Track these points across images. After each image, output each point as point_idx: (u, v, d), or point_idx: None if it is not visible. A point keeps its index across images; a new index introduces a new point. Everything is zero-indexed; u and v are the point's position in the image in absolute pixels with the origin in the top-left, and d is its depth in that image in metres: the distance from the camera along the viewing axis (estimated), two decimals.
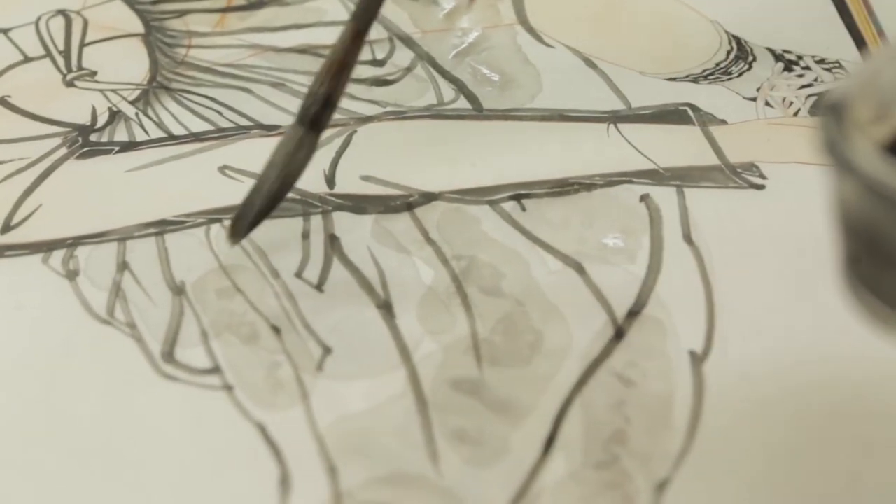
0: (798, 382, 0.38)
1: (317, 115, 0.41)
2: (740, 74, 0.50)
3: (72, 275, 0.42)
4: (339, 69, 0.42)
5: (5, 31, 0.53)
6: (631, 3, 0.55)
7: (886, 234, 0.26)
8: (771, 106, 0.48)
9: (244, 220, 0.40)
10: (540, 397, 0.37)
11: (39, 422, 0.37)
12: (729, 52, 0.51)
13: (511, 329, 0.40)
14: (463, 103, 0.49)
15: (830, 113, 0.27)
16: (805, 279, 0.41)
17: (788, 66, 0.50)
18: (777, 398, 0.37)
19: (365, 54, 0.52)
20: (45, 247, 0.43)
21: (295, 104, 0.49)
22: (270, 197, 0.40)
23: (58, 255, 0.42)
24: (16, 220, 0.44)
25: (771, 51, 0.51)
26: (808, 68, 0.50)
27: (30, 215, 0.44)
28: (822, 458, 0.36)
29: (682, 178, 0.45)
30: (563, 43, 0.52)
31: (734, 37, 0.52)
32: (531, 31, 0.53)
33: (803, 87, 0.49)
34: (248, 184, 0.45)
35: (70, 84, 0.50)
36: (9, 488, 0.35)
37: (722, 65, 0.50)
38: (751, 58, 0.51)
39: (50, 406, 0.37)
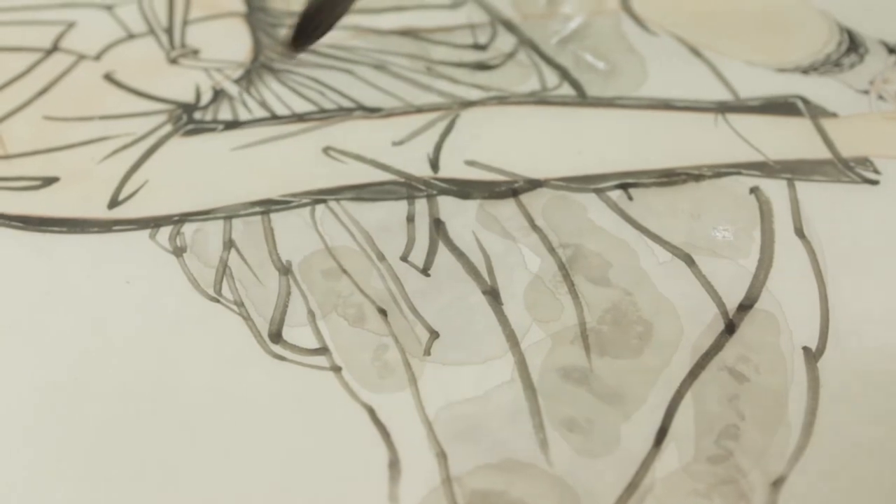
0: None
1: None
2: (852, 67, 0.49)
3: (179, 251, 0.42)
4: None
5: (109, 8, 0.53)
6: None
7: None
8: (884, 100, 0.47)
9: (306, 28, 0.38)
10: (650, 389, 0.37)
11: (147, 397, 0.37)
12: (840, 44, 0.50)
13: (620, 319, 0.39)
14: (567, 90, 0.49)
15: None
16: None
17: None
18: (893, 397, 0.37)
19: (467, 38, 0.52)
20: (152, 223, 0.43)
21: (396, 86, 0.49)
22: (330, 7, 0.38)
23: (165, 231, 0.42)
24: (123, 195, 0.44)
25: (884, 43, 0.50)
26: None
27: (136, 191, 0.44)
28: None
29: (792, 170, 0.44)
30: (668, 30, 0.51)
31: (845, 28, 0.51)
32: (635, 17, 0.52)
33: None
34: (352, 165, 0.45)
35: (173, 62, 0.50)
36: (119, 462, 0.36)
37: (832, 56, 0.49)
38: (862, 50, 0.50)
39: (158, 382, 0.37)
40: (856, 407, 0.36)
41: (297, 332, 0.39)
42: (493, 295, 0.40)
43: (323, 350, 0.38)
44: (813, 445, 0.35)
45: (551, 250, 0.42)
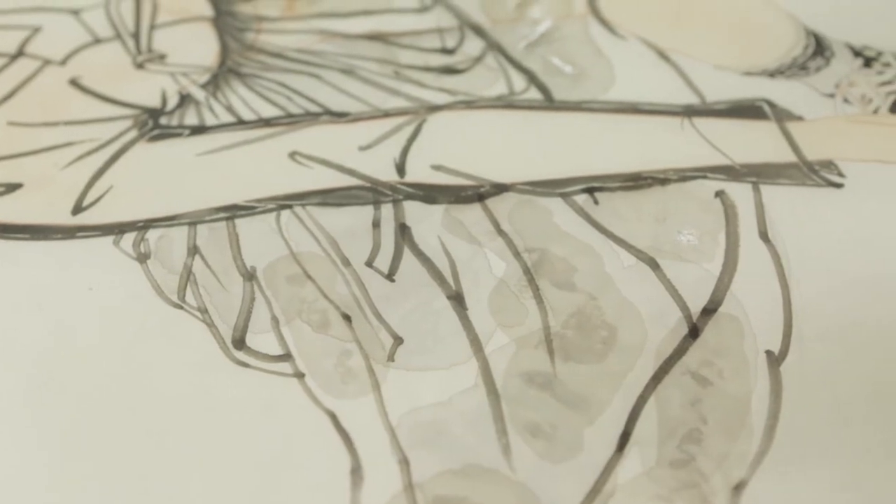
0: (877, 385, 0.37)
1: None
2: (818, 70, 0.49)
3: (143, 257, 0.42)
4: None
5: (76, 13, 0.53)
6: None
7: None
8: (849, 103, 0.47)
9: None
10: (614, 394, 0.37)
11: (111, 404, 0.37)
12: (806, 47, 0.50)
13: (584, 324, 0.39)
14: (534, 94, 0.49)
15: None
16: (884, 280, 0.40)
17: (868, 63, 0.49)
18: (856, 400, 0.37)
19: (435, 42, 0.52)
20: (116, 229, 0.43)
21: (364, 91, 0.49)
22: None
23: (129, 238, 0.42)
24: (87, 201, 0.44)
25: (850, 46, 0.50)
26: (888, 65, 0.49)
27: (101, 197, 0.44)
28: None
29: (758, 174, 0.44)
30: (636, 34, 0.51)
31: (812, 32, 0.51)
32: (603, 22, 0.52)
33: (883, 84, 0.48)
34: (318, 170, 0.45)
35: (140, 66, 0.50)
36: (82, 468, 0.35)
37: (799, 60, 0.49)
38: (829, 53, 0.50)
39: (122, 388, 0.37)
40: (818, 411, 0.36)
41: (261, 338, 0.39)
42: (457, 300, 0.40)
43: (286, 356, 0.38)
44: (775, 449, 0.35)
45: (517, 255, 0.42)
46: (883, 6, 0.52)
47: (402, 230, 0.43)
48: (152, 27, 0.52)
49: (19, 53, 0.50)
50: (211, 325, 0.39)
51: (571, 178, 0.44)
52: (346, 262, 0.41)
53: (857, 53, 0.50)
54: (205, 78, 0.49)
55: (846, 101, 0.47)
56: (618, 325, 0.39)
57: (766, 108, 0.47)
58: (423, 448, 0.36)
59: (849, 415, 0.36)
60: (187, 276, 0.41)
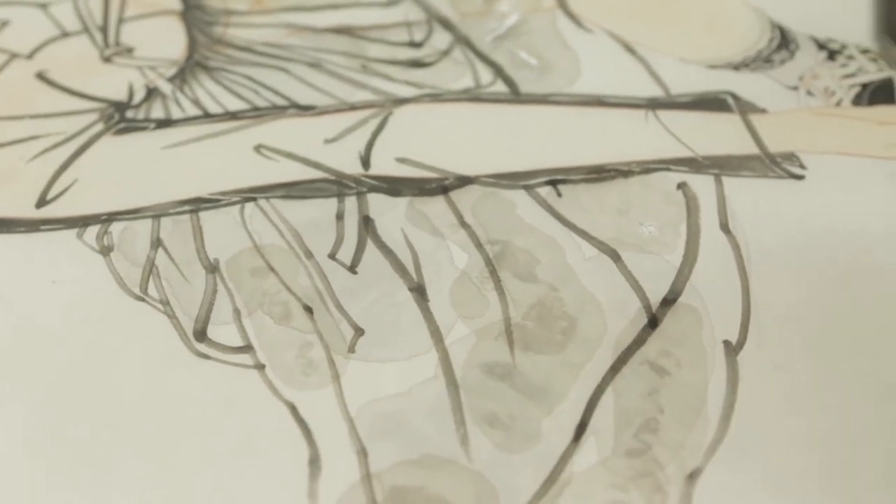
0: (833, 374, 0.37)
1: None
2: (782, 63, 0.49)
3: (106, 250, 0.42)
4: None
5: (43, 7, 0.53)
6: None
7: None
8: (813, 95, 0.48)
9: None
10: (572, 384, 0.37)
11: (73, 396, 0.37)
12: (771, 40, 0.50)
13: (545, 315, 0.39)
14: (500, 87, 0.49)
15: None
16: (843, 271, 0.40)
17: (832, 56, 0.49)
18: (812, 390, 0.37)
19: (402, 36, 0.52)
20: (80, 222, 0.43)
21: (331, 84, 0.49)
22: None
23: (92, 231, 0.42)
24: (51, 194, 0.44)
25: (814, 39, 0.50)
26: (851, 57, 0.49)
27: (65, 190, 0.44)
28: (856, 451, 0.35)
29: (720, 166, 0.44)
30: (603, 28, 0.52)
31: (777, 25, 0.51)
32: (571, 15, 0.52)
33: (846, 76, 0.48)
34: (283, 163, 0.45)
35: (107, 60, 0.50)
36: (42, 460, 0.36)
37: (763, 53, 0.50)
38: (793, 46, 0.50)
39: (83, 381, 0.37)
40: (773, 400, 0.37)
41: (223, 329, 0.39)
42: (419, 292, 0.40)
43: (247, 348, 0.38)
44: (729, 438, 0.36)
45: (479, 246, 0.42)
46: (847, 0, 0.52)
47: (366, 222, 0.43)
48: (120, 20, 0.52)
49: None
50: (172, 316, 0.39)
51: (535, 171, 0.44)
52: (309, 255, 0.41)
53: (821, 46, 0.50)
54: (172, 71, 0.50)
55: (809, 93, 0.48)
56: (578, 316, 0.39)
57: (730, 100, 0.47)
58: (382, 438, 0.36)
59: (803, 404, 0.36)
60: (150, 268, 0.41)
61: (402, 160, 0.45)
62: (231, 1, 0.54)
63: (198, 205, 0.43)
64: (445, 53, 0.51)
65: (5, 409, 0.37)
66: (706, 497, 0.34)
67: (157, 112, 0.48)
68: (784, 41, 0.50)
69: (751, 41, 0.50)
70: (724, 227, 0.42)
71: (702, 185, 0.44)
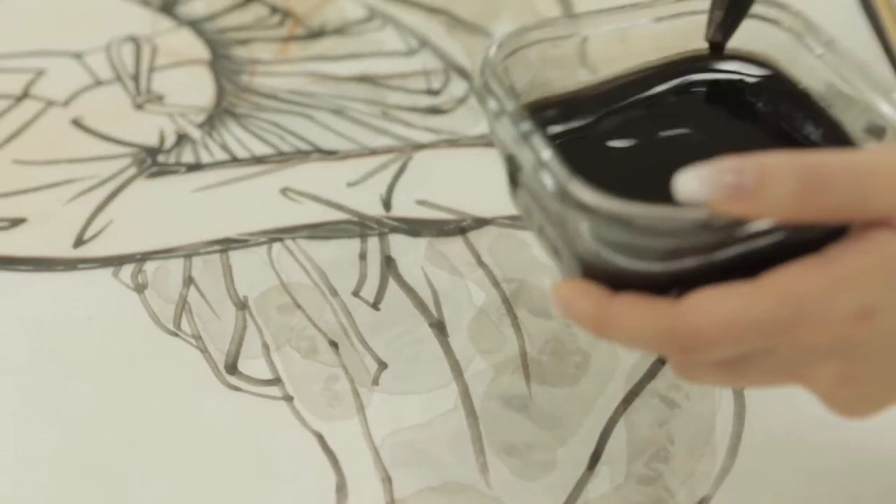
0: None
1: None
2: None
3: (140, 288, 0.44)
4: None
5: (78, 56, 0.55)
6: None
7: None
8: None
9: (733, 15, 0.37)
10: (586, 415, 0.39)
11: (108, 427, 0.39)
12: None
13: (559, 350, 0.41)
14: None
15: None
16: None
17: None
18: (818, 422, 0.39)
19: (421, 84, 0.54)
20: (115, 261, 0.45)
21: (353, 130, 0.51)
22: None
23: (127, 269, 0.44)
24: (88, 235, 0.46)
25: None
26: None
27: (101, 231, 0.46)
28: (861, 483, 0.37)
29: None
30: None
31: None
32: (587, 66, 0.55)
33: None
34: (308, 205, 0.47)
35: (139, 107, 0.52)
36: (76, 489, 0.37)
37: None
38: None
39: (119, 412, 0.39)
40: (780, 431, 0.38)
41: (252, 363, 0.41)
42: (439, 328, 0.42)
43: (276, 381, 0.40)
44: (737, 467, 0.37)
45: (496, 285, 0.44)
46: (829, 20, 0.54)
47: (388, 262, 0.45)
48: (151, 69, 0.55)
49: (24, 95, 0.53)
50: (204, 351, 0.41)
51: None
52: (334, 292, 0.43)
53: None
54: (201, 118, 0.52)
55: None
56: (591, 351, 0.41)
57: None
58: (405, 467, 0.38)
59: (808, 436, 0.38)
60: (182, 305, 0.43)
61: (421, 202, 0.47)
62: (257, 50, 0.56)
63: (227, 245, 0.45)
64: (461, 101, 0.53)
65: (42, 440, 0.39)
66: None
67: (188, 156, 0.50)
68: None
69: None
70: None
71: None
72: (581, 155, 0.31)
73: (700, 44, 0.36)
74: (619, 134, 0.34)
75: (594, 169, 0.30)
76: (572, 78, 0.35)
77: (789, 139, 0.35)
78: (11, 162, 0.49)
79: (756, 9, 0.36)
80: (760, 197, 0.28)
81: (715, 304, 0.28)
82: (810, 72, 0.35)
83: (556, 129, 0.34)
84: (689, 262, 0.30)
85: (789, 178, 0.28)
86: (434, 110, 0.53)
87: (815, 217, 0.28)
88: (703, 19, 0.36)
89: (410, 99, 0.53)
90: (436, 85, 0.54)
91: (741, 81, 0.36)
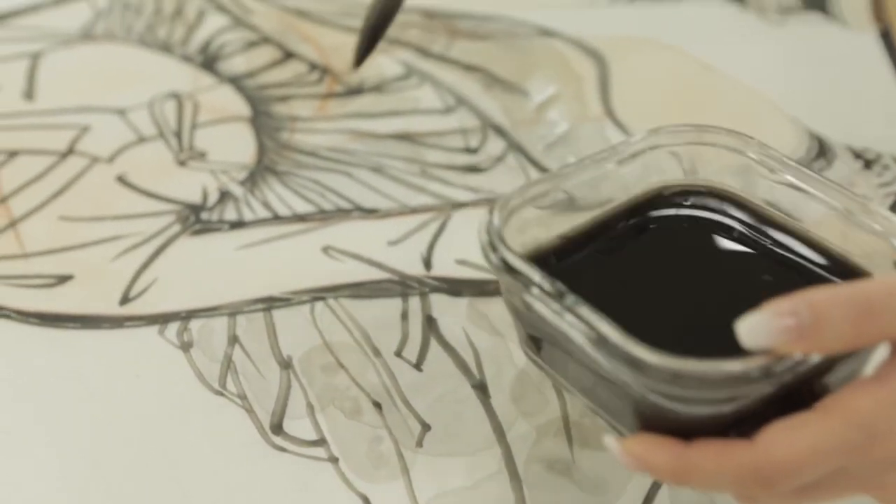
0: None
1: None
2: (820, 171, 0.52)
3: (186, 346, 0.44)
4: None
5: (122, 112, 0.56)
6: (716, 97, 0.57)
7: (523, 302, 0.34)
8: None
9: (361, 49, 0.49)
10: (629, 480, 0.39)
11: (155, 486, 0.39)
12: (809, 150, 0.53)
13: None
14: None
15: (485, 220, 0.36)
16: None
17: (868, 165, 0.52)
18: None
19: (459, 142, 0.55)
20: (161, 319, 0.45)
21: (392, 188, 0.52)
22: (383, 18, 0.49)
23: (173, 327, 0.45)
24: (134, 292, 0.47)
25: (851, 149, 0.53)
26: (887, 167, 0.52)
27: (146, 288, 0.47)
28: None
29: None
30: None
31: (814, 135, 0.54)
32: (618, 124, 0.55)
33: (883, 185, 0.51)
34: (349, 264, 0.48)
35: (182, 164, 0.53)
36: None
37: (802, 162, 0.52)
38: (830, 155, 0.53)
39: (166, 471, 0.40)
40: None
41: (297, 423, 0.41)
42: (481, 389, 0.43)
43: (321, 441, 0.41)
44: None
45: None
46: (881, 111, 0.55)
47: (429, 322, 0.45)
48: (193, 126, 0.56)
49: (69, 151, 0.54)
50: (250, 410, 0.42)
51: None
52: (377, 352, 0.44)
53: (857, 156, 0.53)
54: (243, 175, 0.53)
55: None
56: None
57: None
58: None
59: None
60: (228, 364, 0.44)
61: (461, 262, 0.48)
62: (296, 107, 0.57)
63: (271, 303, 0.46)
64: (500, 159, 0.54)
65: (88, 499, 0.39)
66: None
67: (230, 214, 0.51)
68: (822, 150, 0.53)
69: (789, 151, 0.53)
70: None
71: None
72: (595, 303, 0.33)
73: (659, 177, 0.40)
74: (620, 277, 0.37)
75: (617, 319, 0.32)
76: (554, 228, 0.38)
77: (771, 256, 0.38)
78: (58, 218, 0.50)
79: (709, 138, 0.40)
80: (820, 333, 0.30)
81: (790, 437, 0.30)
82: (770, 191, 0.39)
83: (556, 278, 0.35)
84: (748, 400, 0.32)
85: (842, 311, 0.30)
86: (472, 168, 0.53)
87: (868, 342, 0.31)
88: (658, 154, 0.40)
89: (448, 157, 0.54)
90: (473, 143, 0.55)
91: (708, 209, 0.39)
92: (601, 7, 0.65)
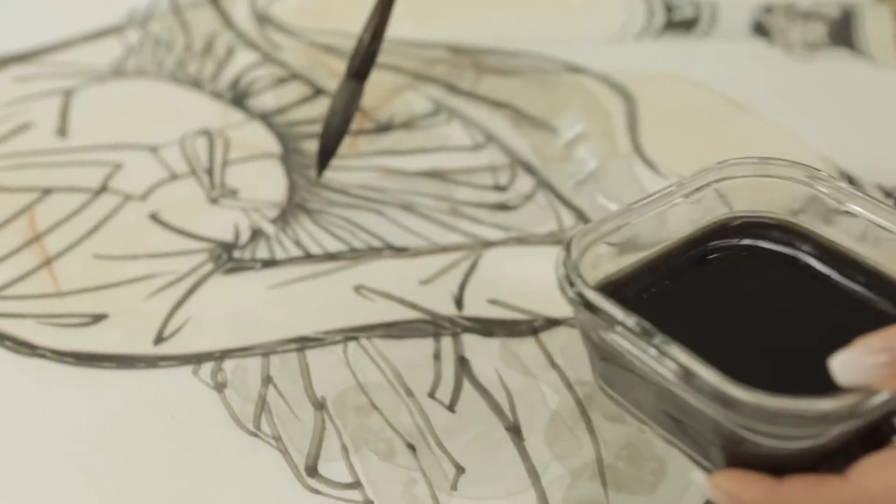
0: None
1: (364, 68, 0.53)
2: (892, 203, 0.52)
3: (220, 387, 0.45)
4: (377, 29, 0.53)
5: (154, 149, 0.57)
6: (744, 134, 0.58)
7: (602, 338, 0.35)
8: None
9: (323, 157, 0.54)
10: None
11: None
12: None
13: (635, 456, 0.41)
14: None
15: (562, 255, 0.36)
16: None
17: None
18: None
19: (488, 180, 0.55)
20: (194, 359, 0.46)
21: (423, 227, 0.52)
22: (336, 136, 0.53)
23: (206, 367, 0.45)
24: (168, 331, 0.47)
25: (881, 187, 0.53)
26: None
27: (180, 328, 0.47)
28: None
29: None
30: (677, 173, 0.55)
31: (843, 172, 0.54)
32: (647, 161, 0.56)
33: None
34: (381, 303, 0.48)
35: (214, 201, 0.54)
36: None
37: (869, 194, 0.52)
38: None
39: None
40: None
41: (332, 466, 0.42)
42: (515, 431, 0.43)
43: (356, 484, 0.41)
44: None
45: (569, 387, 0.44)
46: None
47: (462, 362, 0.45)
48: (225, 163, 0.56)
49: (103, 189, 0.54)
50: (285, 452, 0.42)
51: None
52: (410, 393, 0.44)
53: (887, 194, 0.53)
54: (274, 213, 0.53)
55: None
56: (667, 458, 0.41)
57: None
58: None
59: None
60: (262, 405, 0.44)
61: (493, 301, 0.48)
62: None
63: (304, 343, 0.46)
64: (529, 197, 0.54)
65: None
66: None
67: (262, 252, 0.51)
68: None
69: None
70: None
71: None
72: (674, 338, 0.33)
73: (725, 209, 0.40)
74: (692, 311, 0.37)
75: (698, 354, 0.32)
76: (622, 262, 0.38)
77: (843, 289, 0.38)
78: (92, 256, 0.50)
79: (776, 170, 0.40)
80: None
81: (885, 474, 0.31)
82: (838, 223, 0.39)
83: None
84: (836, 434, 0.32)
85: None
86: (502, 206, 0.54)
87: None
88: (724, 186, 0.40)
89: (478, 194, 0.54)
90: (502, 180, 0.55)
91: (776, 242, 0.39)
92: (628, 42, 0.66)
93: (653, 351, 0.33)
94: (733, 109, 0.59)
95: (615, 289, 0.37)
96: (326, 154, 0.54)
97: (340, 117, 0.53)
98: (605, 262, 0.38)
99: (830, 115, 0.59)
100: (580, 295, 0.35)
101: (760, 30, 0.66)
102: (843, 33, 0.65)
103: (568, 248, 0.36)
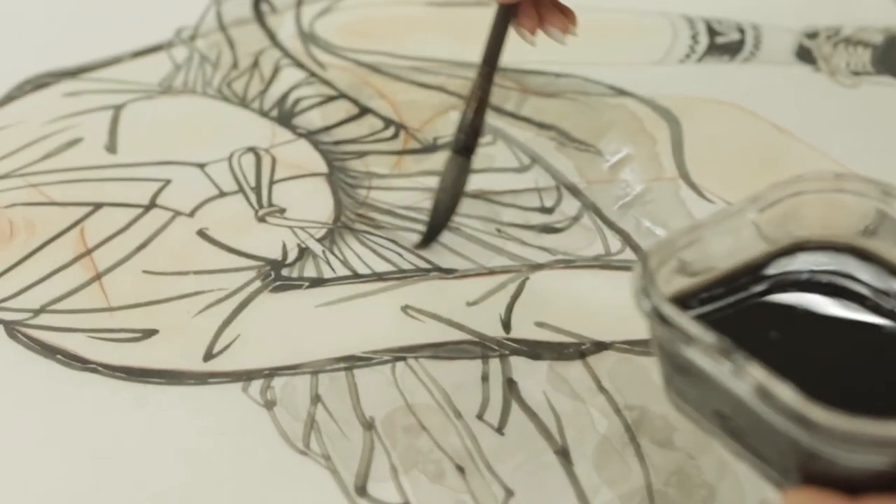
0: None
1: (469, 143, 0.51)
2: None
3: (269, 405, 0.45)
4: (479, 105, 0.51)
5: (202, 166, 0.57)
6: (788, 159, 0.57)
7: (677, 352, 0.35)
8: None
9: (432, 233, 0.52)
10: None
11: None
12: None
13: (685, 482, 0.41)
14: (628, 254, 0.52)
15: (639, 268, 0.36)
16: None
17: None
18: None
19: (533, 201, 0.55)
20: (244, 376, 0.46)
21: (470, 248, 0.52)
22: (446, 213, 0.52)
23: (256, 385, 0.46)
24: (217, 348, 0.47)
25: None
26: None
27: (229, 345, 0.47)
28: None
29: None
30: (723, 199, 0.55)
31: None
32: (692, 185, 0.56)
33: None
34: (429, 324, 0.48)
35: (261, 220, 0.54)
36: None
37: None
38: None
39: None
40: None
41: (381, 486, 0.42)
42: (563, 455, 0.43)
43: None
44: None
45: (618, 412, 0.44)
46: None
47: (510, 385, 0.46)
48: (272, 182, 0.56)
49: (152, 205, 0.55)
50: (335, 472, 0.42)
51: None
52: (458, 415, 0.44)
53: None
54: (321, 232, 0.53)
55: None
56: (717, 485, 0.41)
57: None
58: None
59: None
60: (311, 423, 0.44)
61: (540, 324, 0.48)
62: (372, 164, 0.58)
63: (352, 362, 0.46)
64: (575, 219, 0.54)
65: None
66: None
67: (310, 271, 0.51)
68: None
69: (861, 215, 0.53)
70: None
71: None
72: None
73: (797, 225, 0.40)
74: (763, 329, 0.37)
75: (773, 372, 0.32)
76: (694, 277, 0.38)
77: None
78: (141, 272, 0.51)
79: (850, 185, 0.40)
80: None
81: None
82: None
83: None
84: None
85: None
86: (548, 229, 0.54)
87: None
88: (796, 202, 0.39)
89: (524, 216, 0.54)
90: (548, 202, 0.55)
91: (848, 264, 0.39)
92: (671, 65, 0.66)
93: (729, 366, 0.33)
94: (778, 134, 0.59)
95: (688, 303, 0.37)
96: (435, 230, 0.52)
97: (449, 194, 0.51)
98: (678, 276, 0.38)
99: (875, 142, 0.59)
100: (655, 309, 0.35)
101: (804, 54, 0.66)
102: (886, 59, 0.65)
103: (645, 261, 0.36)
